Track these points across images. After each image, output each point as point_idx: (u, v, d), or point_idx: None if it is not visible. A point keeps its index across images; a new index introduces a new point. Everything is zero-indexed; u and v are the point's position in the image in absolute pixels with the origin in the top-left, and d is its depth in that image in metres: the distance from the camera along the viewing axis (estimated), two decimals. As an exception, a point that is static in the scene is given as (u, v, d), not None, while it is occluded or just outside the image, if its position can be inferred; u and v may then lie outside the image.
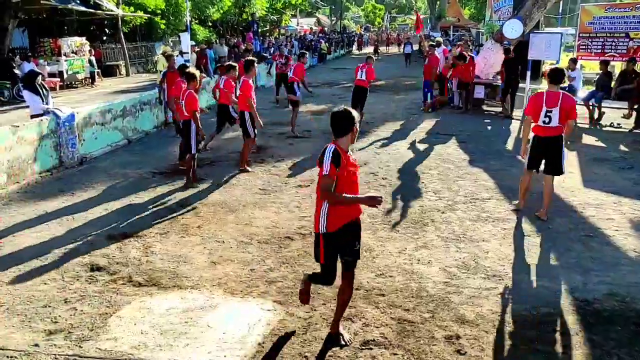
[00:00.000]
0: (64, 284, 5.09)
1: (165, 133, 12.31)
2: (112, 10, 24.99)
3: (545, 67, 19.65)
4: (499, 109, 14.97)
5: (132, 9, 27.11)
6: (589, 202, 7.42)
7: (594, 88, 13.66)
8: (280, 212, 7.12)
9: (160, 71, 13.30)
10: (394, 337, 4.17)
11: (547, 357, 3.97)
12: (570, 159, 9.48)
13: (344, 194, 3.74)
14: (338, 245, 3.93)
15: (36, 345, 4.09)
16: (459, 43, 19.12)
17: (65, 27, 25.43)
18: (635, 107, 12.49)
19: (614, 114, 13.39)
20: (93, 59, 23.32)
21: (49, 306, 4.67)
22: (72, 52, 22.29)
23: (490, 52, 16.02)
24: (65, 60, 21.57)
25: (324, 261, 3.97)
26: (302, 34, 40.79)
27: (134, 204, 7.49)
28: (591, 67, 19.45)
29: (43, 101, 9.56)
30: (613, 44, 14.51)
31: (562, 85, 13.77)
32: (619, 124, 12.79)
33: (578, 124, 13.15)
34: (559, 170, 6.67)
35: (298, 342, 4.14)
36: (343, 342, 4.08)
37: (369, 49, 52.83)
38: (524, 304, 4.69)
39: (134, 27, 27.88)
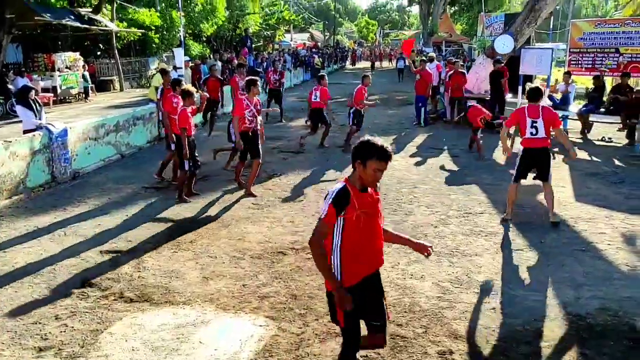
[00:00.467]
0: (55, 300, 5.05)
1: (158, 148, 12.30)
2: (106, 26, 25.09)
3: (537, 82, 19.85)
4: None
5: (125, 24, 27.22)
6: (581, 216, 7.45)
7: (586, 102, 13.80)
8: (273, 227, 7.11)
9: (156, 87, 13.29)
10: (387, 353, 4.15)
11: (540, 372, 3.96)
12: (562, 173, 9.57)
13: (340, 259, 3.21)
14: (358, 304, 3.23)
15: (26, 362, 4.05)
16: (449, 58, 19.31)
17: (59, 43, 25.48)
18: (628, 121, 12.61)
19: (606, 129, 13.50)
20: (87, 74, 23.36)
21: (40, 322, 4.63)
22: (66, 67, 22.32)
23: (481, 67, 16.17)
24: (59, 76, 21.59)
25: (344, 324, 3.32)
26: (295, 49, 41.03)
27: (126, 219, 7.46)
28: (582, 82, 19.63)
29: (36, 116, 9.55)
30: (603, 59, 14.68)
31: (555, 97, 13.93)
32: (610, 138, 12.89)
33: (570, 139, 13.26)
34: (546, 177, 7.00)
35: (290, 358, 4.12)
36: None
37: (362, 64, 53.29)
38: (517, 318, 4.68)
39: (128, 42, 27.96)
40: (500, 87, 14.05)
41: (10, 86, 17.78)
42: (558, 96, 14.14)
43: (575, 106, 14.09)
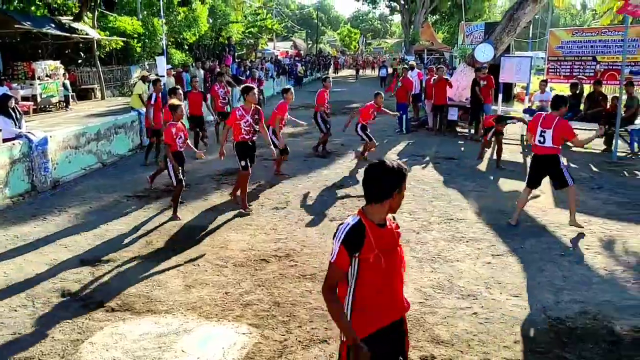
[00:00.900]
0: (35, 311, 4.99)
1: (141, 156, 12.22)
2: (87, 34, 24.91)
3: (517, 90, 20.14)
4: (472, 130, 15.21)
5: (107, 32, 27.05)
6: (561, 221, 7.56)
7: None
8: (256, 234, 7.10)
9: (139, 94, 13.23)
10: None
11: (520, 375, 4.01)
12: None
13: (352, 305, 2.75)
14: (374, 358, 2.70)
15: (4, 374, 4.00)
16: (431, 66, 19.51)
17: (40, 51, 25.22)
18: (605, 127, 12.82)
19: (584, 136, 13.69)
20: (67, 82, 23.13)
21: (19, 333, 4.57)
22: (47, 76, 22.09)
23: (462, 75, 16.36)
24: (39, 84, 21.35)
25: None
26: (276, 57, 41.16)
27: (107, 228, 7.40)
28: (561, 90, 19.93)
29: (16, 125, 9.44)
30: (581, 67, 14.94)
31: (534, 107, 14.16)
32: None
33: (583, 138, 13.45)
34: (564, 183, 7.09)
35: (273, 365, 4.12)
36: None
37: (345, 72, 53.61)
38: (498, 323, 4.74)
39: (109, 50, 27.77)
40: (477, 96, 14.23)
41: (-11, 95, 17.54)
42: (535, 106, 14.34)
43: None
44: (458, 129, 15.96)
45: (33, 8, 24.82)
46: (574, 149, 12.92)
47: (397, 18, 79.17)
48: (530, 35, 39.67)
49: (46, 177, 9.28)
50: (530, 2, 15.16)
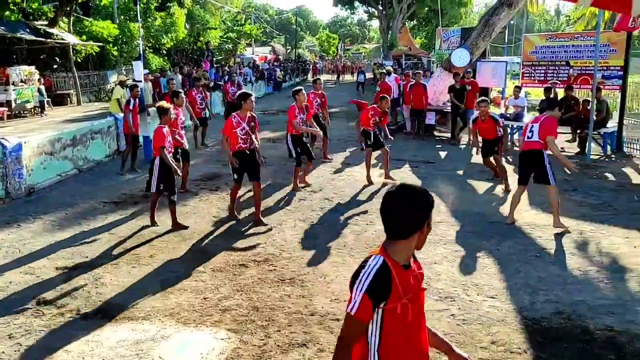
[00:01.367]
0: (8, 319, 4.90)
1: (117, 162, 12.09)
2: (63, 39, 24.60)
3: (493, 94, 20.40)
4: (449, 135, 15.38)
5: (84, 37, 26.75)
6: (536, 223, 7.68)
7: (538, 114, 14.24)
8: (234, 239, 7.08)
9: (117, 99, 13.10)
10: (349, 362, 4.18)
11: (497, 375, 4.06)
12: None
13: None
14: None
15: (-23, 384, 3.92)
16: (407, 72, 19.74)
17: (14, 56, 24.84)
18: (578, 131, 13.09)
19: (558, 139, 13.93)
20: (43, 87, 22.80)
21: (-8, 343, 4.49)
22: (21, 81, 21.74)
23: (439, 79, 16.53)
24: (14, 90, 21.01)
25: None
26: (254, 62, 41.13)
27: (84, 234, 7.31)
28: (536, 94, 20.27)
29: (-12, 131, 9.29)
30: (555, 71, 15.20)
31: (508, 112, 14.37)
32: (562, 148, 13.31)
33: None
34: (546, 180, 7.23)
35: (252, 370, 4.11)
36: None
37: (324, 77, 53.71)
38: (475, 324, 4.79)
39: (86, 55, 27.46)
40: (454, 102, 14.43)
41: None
42: (510, 110, 14.56)
43: (529, 117, 14.51)
44: (436, 133, 16.13)
45: (7, 13, 24.45)
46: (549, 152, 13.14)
47: (375, 23, 79.85)
48: (506, 41, 40.30)
49: (20, 183, 9.13)
50: (505, 7, 15.41)
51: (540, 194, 9.11)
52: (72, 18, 26.38)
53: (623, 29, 11.75)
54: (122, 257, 6.44)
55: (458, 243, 6.90)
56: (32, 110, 21.97)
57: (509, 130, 14.86)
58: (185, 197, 9.07)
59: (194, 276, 5.87)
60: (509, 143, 14.62)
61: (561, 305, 5.14)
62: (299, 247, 6.75)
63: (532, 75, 15.84)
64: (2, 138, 9.13)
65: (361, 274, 2.18)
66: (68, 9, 25.73)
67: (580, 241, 6.95)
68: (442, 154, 13.37)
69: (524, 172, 7.57)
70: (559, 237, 7.09)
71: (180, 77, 21.58)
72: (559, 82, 14.87)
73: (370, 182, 9.91)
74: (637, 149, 12.64)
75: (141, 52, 15.85)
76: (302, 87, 9.72)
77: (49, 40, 24.00)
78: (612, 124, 13.19)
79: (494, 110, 16.97)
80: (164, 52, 33.73)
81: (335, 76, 53.50)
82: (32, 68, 23.02)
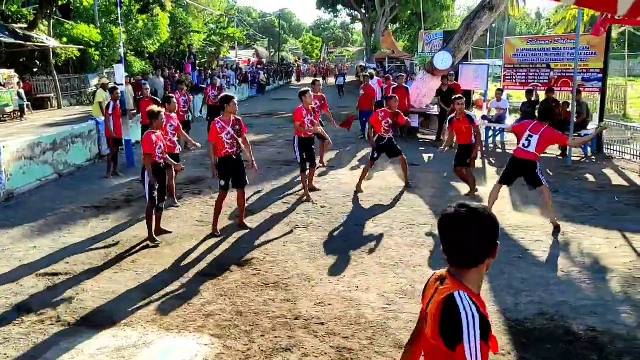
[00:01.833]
0: (-14, 328, 4.80)
1: (99, 166, 11.96)
2: (43, 42, 24.31)
3: (475, 97, 20.55)
4: (433, 137, 15.45)
5: (65, 40, 26.46)
6: (519, 224, 7.72)
7: (520, 116, 14.37)
8: (218, 243, 7.02)
9: (100, 103, 12.94)
10: (333, 366, 4.16)
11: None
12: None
13: None
14: None
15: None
16: (387, 75, 19.85)
17: (-7, 59, 24.52)
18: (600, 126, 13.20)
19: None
20: (22, 91, 22.49)
21: (-31, 352, 4.39)
22: (0, 85, 21.45)
23: (422, 82, 16.61)
24: (-8, 93, 20.72)
25: None
26: (237, 64, 41.04)
27: (64, 240, 7.20)
28: (518, 97, 20.46)
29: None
30: (536, 74, 15.35)
31: (490, 115, 14.47)
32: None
33: (507, 150, 13.78)
34: (539, 182, 7.38)
35: (236, 376, 4.06)
36: None
37: (308, 80, 53.76)
38: (459, 326, 4.78)
39: (67, 58, 27.15)
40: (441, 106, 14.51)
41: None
42: (492, 112, 14.66)
43: (511, 119, 14.65)
44: (419, 136, 16.19)
45: (-15, 16, 24.13)
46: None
47: (358, 26, 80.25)
48: (488, 44, 40.66)
49: (-1, 189, 8.98)
50: (487, 11, 15.53)
51: (525, 195, 9.19)
52: (52, 21, 26.09)
53: (596, 34, 11.86)
54: (104, 263, 6.35)
55: (442, 245, 6.89)
56: (12, 114, 21.67)
57: (491, 132, 15.02)
58: (168, 201, 8.98)
59: (177, 281, 5.81)
60: (490, 145, 14.78)
61: (544, 306, 5.17)
62: (282, 251, 6.72)
63: (514, 77, 15.98)
64: (-20, 142, 8.97)
65: (463, 322, 1.88)
66: (48, 11, 25.45)
67: (563, 242, 7.01)
68: (426, 156, 13.42)
69: (512, 176, 7.67)
70: (541, 238, 7.14)
71: (162, 80, 21.45)
72: (540, 85, 15.01)
73: (359, 191, 9.55)
74: (616, 151, 12.79)
75: (123, 55, 15.68)
76: (309, 89, 9.25)
77: (28, 43, 23.70)
78: (592, 126, 13.33)
79: (477, 113, 17.10)
80: (147, 55, 33.50)
81: (321, 79, 53.59)
82: (12, 71, 22.72)
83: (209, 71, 31.17)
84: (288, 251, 6.70)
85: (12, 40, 22.71)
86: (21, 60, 25.84)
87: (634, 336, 4.61)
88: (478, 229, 1.98)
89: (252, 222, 7.93)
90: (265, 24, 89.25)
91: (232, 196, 9.00)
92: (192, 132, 13.77)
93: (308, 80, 55.57)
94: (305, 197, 9.09)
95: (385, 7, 45.91)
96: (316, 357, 4.30)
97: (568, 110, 12.69)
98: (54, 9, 26.22)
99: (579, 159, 12.67)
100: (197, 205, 8.85)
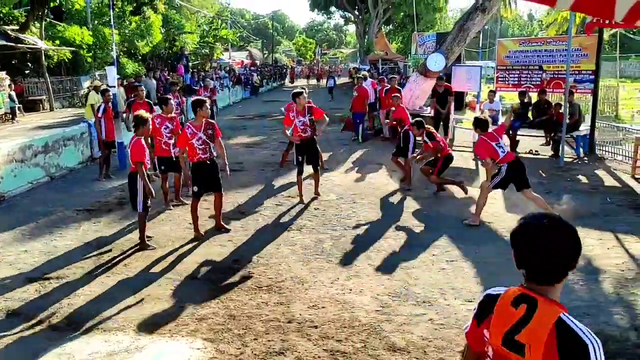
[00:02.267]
0: (-24, 333, 4.76)
1: (91, 169, 11.89)
2: (34, 44, 24.16)
3: (469, 98, 20.62)
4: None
5: (57, 42, 26.31)
6: (512, 226, 7.68)
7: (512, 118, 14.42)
8: (210, 246, 6.99)
9: (92, 104, 12.86)
10: (327, 369, 4.14)
11: (475, 380, 4.05)
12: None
13: None
14: None
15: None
16: (381, 77, 19.83)
17: (-17, 61, 24.33)
18: (551, 135, 13.27)
19: (534, 142, 14.14)
20: (13, 93, 22.34)
21: (-42, 357, 4.35)
22: (-9, 87, 21.32)
23: (415, 84, 16.62)
24: (-17, 96, 20.58)
25: None
26: (231, 66, 40.99)
27: (55, 243, 7.15)
28: (510, 98, 20.52)
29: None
30: (528, 75, 15.40)
31: (482, 115, 14.48)
32: (536, 151, 13.50)
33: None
34: (526, 185, 7.71)
35: (229, 380, 4.03)
36: None
37: (301, 82, 53.86)
38: (452, 329, 4.78)
39: (59, 60, 26.99)
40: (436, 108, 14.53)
41: None
42: (485, 114, 14.68)
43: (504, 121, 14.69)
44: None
45: (-24, 18, 23.96)
46: (525, 155, 13.31)
47: (351, 28, 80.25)
48: (480, 45, 40.76)
49: (-10, 192, 8.91)
50: (479, 13, 15.56)
51: (515, 197, 9.20)
52: (44, 23, 25.93)
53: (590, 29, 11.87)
54: (96, 267, 6.30)
55: (436, 247, 6.91)
56: (3, 116, 21.52)
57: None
58: (158, 205, 8.93)
59: (169, 284, 5.78)
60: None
61: (537, 308, 5.16)
62: (276, 254, 6.69)
63: (506, 79, 16.01)
64: (-29, 145, 8.90)
65: (590, 349, 1.77)
66: (40, 13, 25.28)
67: (555, 243, 7.01)
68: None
69: (507, 182, 7.82)
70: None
71: (154, 82, 21.37)
72: (532, 86, 15.07)
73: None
74: (609, 152, 12.85)
75: (115, 57, 15.62)
76: (303, 90, 8.98)
77: (19, 45, 23.55)
78: (584, 127, 13.40)
79: (470, 115, 17.16)
80: (140, 57, 33.38)
81: (315, 80, 55.62)
82: (3, 74, 22.56)
83: (202, 73, 31.09)
84: (281, 254, 6.68)
85: (3, 42, 22.55)
86: (13, 62, 25.65)
87: (626, 337, 4.62)
88: (566, 240, 1.87)
89: (243, 224, 7.90)
90: (258, 25, 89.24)
91: (225, 197, 9.00)
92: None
93: (301, 82, 55.71)
94: (298, 199, 9.05)
95: (378, 9, 45.99)
96: (309, 360, 4.28)
97: (560, 111, 12.74)
98: (46, 11, 26.05)
99: (571, 160, 12.71)
100: (189, 208, 8.77)
